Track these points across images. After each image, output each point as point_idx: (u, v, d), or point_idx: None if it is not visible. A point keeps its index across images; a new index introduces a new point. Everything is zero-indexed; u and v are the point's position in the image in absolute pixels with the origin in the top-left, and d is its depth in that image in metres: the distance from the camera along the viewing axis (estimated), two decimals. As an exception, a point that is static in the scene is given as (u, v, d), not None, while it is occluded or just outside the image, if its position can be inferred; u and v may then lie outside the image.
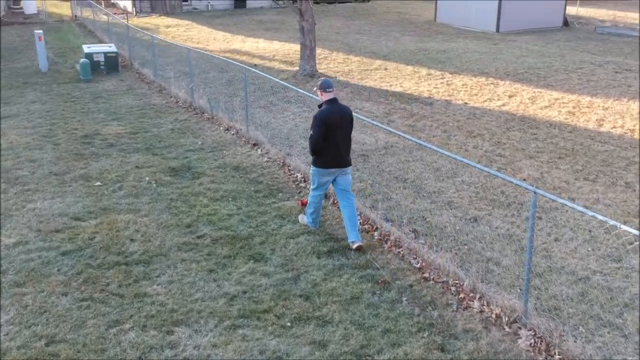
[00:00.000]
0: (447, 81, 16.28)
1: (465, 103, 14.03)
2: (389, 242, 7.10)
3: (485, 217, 7.97)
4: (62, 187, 8.80)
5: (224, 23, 27.63)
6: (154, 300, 5.95)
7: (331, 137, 6.81)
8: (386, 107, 13.65)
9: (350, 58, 19.63)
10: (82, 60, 16.76)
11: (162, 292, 6.10)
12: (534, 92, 15.05)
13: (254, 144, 10.69)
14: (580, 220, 7.73)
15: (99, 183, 8.90)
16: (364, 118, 8.70)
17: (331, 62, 18.94)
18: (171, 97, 14.70)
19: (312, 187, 7.27)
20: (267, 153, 10.26)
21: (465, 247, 7.11)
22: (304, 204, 7.93)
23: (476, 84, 15.89)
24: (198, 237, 7.28)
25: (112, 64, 17.67)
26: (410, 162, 9.93)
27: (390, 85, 15.83)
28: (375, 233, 7.34)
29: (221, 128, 11.86)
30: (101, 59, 17.53)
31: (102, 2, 34.24)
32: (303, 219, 7.60)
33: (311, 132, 6.87)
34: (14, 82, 16.40)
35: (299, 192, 8.66)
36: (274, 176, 9.30)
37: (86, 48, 17.86)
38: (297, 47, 21.26)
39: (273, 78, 11.93)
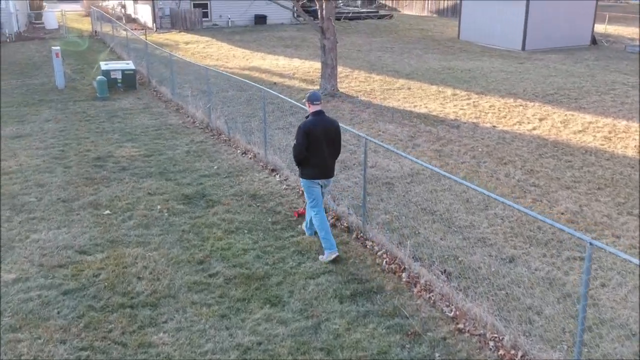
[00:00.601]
0: (474, 102, 15.65)
1: (494, 126, 13.38)
2: (418, 286, 6.48)
3: (522, 256, 7.31)
4: (70, 215, 8.32)
5: (243, 40, 27.32)
6: (159, 352, 5.39)
7: (315, 149, 6.97)
8: (411, 129, 13.05)
9: (372, 77, 19.11)
10: (99, 77, 16.44)
11: (169, 341, 5.54)
12: (566, 115, 14.35)
13: (272, 170, 10.16)
14: (628, 264, 7.04)
15: (108, 212, 8.41)
16: (386, 145, 8.14)
17: (352, 81, 18.43)
18: (188, 116, 14.27)
19: (309, 203, 7.27)
20: (285, 180, 9.71)
21: (503, 292, 6.46)
22: (300, 215, 8.10)
23: (504, 106, 15.24)
24: (210, 276, 6.72)
25: (129, 81, 17.34)
26: (438, 192, 9.31)
27: (415, 106, 15.24)
28: (404, 274, 6.72)
29: (238, 151, 11.36)
30: (118, 76, 17.21)
31: (123, 17, 34.26)
32: (323, 258, 7.09)
33: (294, 142, 7.08)
34: (29, 99, 16.11)
35: (320, 225, 8.08)
36: (292, 206, 8.73)
37: (103, 65, 17.57)
38: (318, 65, 20.81)
39: (289, 99, 11.40)
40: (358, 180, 9.74)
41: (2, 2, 25.79)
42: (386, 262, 6.97)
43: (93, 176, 9.96)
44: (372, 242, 7.41)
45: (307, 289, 6.47)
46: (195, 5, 31.12)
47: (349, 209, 8.34)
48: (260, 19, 32.51)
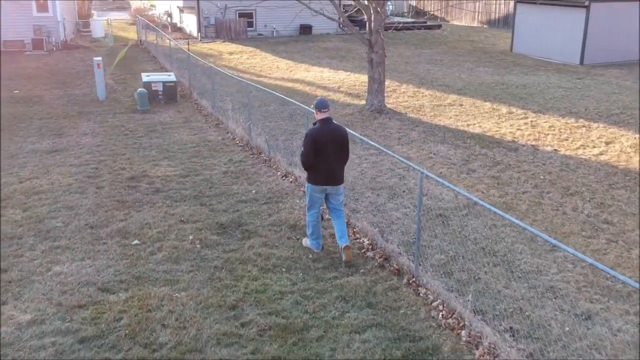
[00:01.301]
0: (532, 122, 14.57)
1: (555, 150, 12.31)
2: (480, 348, 5.58)
3: (600, 312, 6.32)
4: (96, 244, 7.73)
5: (288, 50, 26.76)
6: None
7: (322, 155, 7.09)
8: (464, 152, 12.10)
9: (421, 91, 18.19)
10: (140, 90, 16.04)
11: (192, 410, 4.81)
12: (635, 138, 13.15)
13: (315, 197, 9.37)
14: None
15: (136, 241, 7.78)
16: (436, 177, 7.26)
17: (400, 96, 17.55)
18: (228, 132, 13.66)
19: (307, 205, 7.54)
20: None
21: None
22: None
23: (565, 127, 14.11)
24: (242, 325, 5.97)
25: (170, 93, 16.90)
26: (498, 228, 8.36)
27: (468, 125, 14.26)
28: (463, 332, 5.83)
29: (279, 173, 10.63)
30: (159, 88, 16.79)
31: (169, 26, 34.23)
32: (306, 242, 7.66)
33: (302, 149, 7.27)
34: (69, 111, 15.81)
35: (366, 265, 7.25)
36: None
37: (145, 76, 17.19)
38: (364, 78, 20.01)
39: (356, 133, 10.58)
40: (408, 212, 8.88)
41: (49, 10, 25.94)
42: (442, 315, 6.09)
43: (125, 199, 9.39)
44: (426, 289, 6.55)
45: (352, 346, 5.65)
46: (240, 15, 30.79)
47: (399, 247, 7.48)
48: (306, 29, 31.94)
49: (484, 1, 37.57)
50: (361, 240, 7.83)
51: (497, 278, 6.96)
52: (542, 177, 10.64)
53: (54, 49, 26.18)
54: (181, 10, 33.57)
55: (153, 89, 16.70)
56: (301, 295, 6.54)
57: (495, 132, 13.68)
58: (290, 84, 19.27)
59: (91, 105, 16.48)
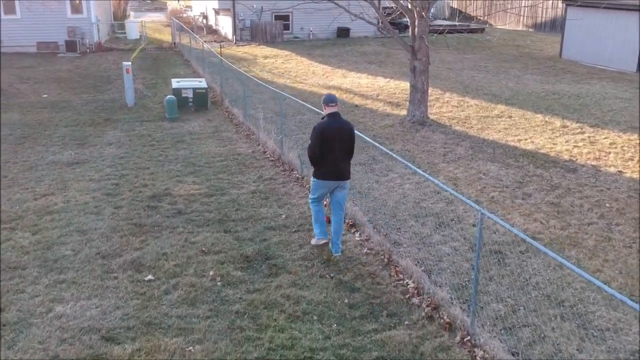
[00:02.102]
0: (589, 137, 13.29)
1: (620, 172, 11.05)
2: None
3: (700, 389, 5.17)
4: (106, 279, 6.89)
5: (324, 54, 25.83)
6: None
7: (329, 149, 7.09)
8: (517, 172, 10.95)
9: (465, 101, 17.02)
10: (168, 97, 15.30)
11: None
12: None
13: (351, 225, 8.38)
14: None
15: (150, 277, 6.92)
16: (498, 220, 6.19)
17: (444, 105, 16.43)
18: (259, 144, 12.79)
19: (310, 196, 7.58)
20: (367, 240, 7.91)
21: None
22: (329, 221, 7.75)
23: (628, 144, 12.80)
24: (265, 394, 5.02)
25: (201, 100, 16.14)
26: (564, 269, 7.23)
27: (519, 140, 13.07)
28: (532, 415, 4.76)
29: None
30: (190, 95, 16.05)
31: (204, 28, 33.68)
32: (315, 242, 7.64)
33: (309, 142, 7.25)
34: (96, 118, 15.18)
35: (411, 315, 6.23)
36: (375, 280, 6.93)
37: (175, 82, 16.47)
38: (404, 84, 18.95)
39: (371, 141, 9.62)
40: (458, 246, 7.81)
41: (83, 11, 25.57)
42: (505, 388, 5.03)
43: (143, 222, 8.56)
44: (484, 351, 5.49)
45: None
46: (276, 17, 30.00)
47: (449, 292, 6.43)
48: (343, 32, 30.97)
49: (529, 0, 35.98)
50: (405, 282, 6.80)
51: (568, 337, 5.85)
52: (607, 204, 9.43)
53: (88, 51, 25.81)
54: (217, 12, 32.98)
55: (183, 95, 15.96)
56: (335, 354, 5.55)
57: (549, 149, 12.46)
58: (326, 91, 18.30)
59: (119, 112, 15.82)
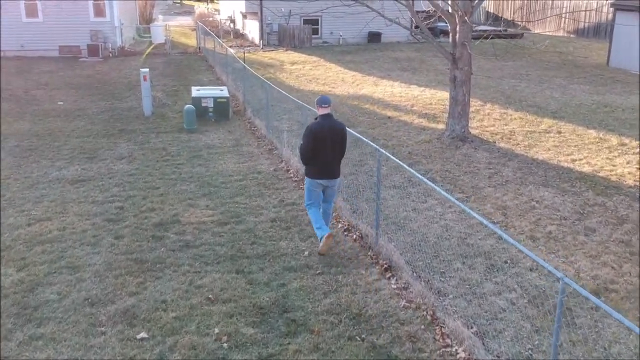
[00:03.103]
0: (654, 158, 11.79)
1: (697, 201, 9.57)
2: None
3: None
4: (90, 335, 5.74)
5: (355, 60, 24.58)
6: None
7: (320, 149, 7.23)
8: (576, 200, 9.54)
9: (508, 113, 15.60)
10: (187, 106, 14.23)
11: None
12: None
13: (386, 268, 7.10)
14: None
15: (144, 334, 5.75)
16: (580, 290, 4.90)
17: (485, 118, 15.04)
18: (281, 161, 11.61)
19: (306, 202, 7.64)
20: (405, 289, 6.63)
21: None
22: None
23: (700, 166, 11.28)
24: None
25: (222, 110, 15.04)
26: (650, 336, 5.84)
27: (573, 161, 11.63)
28: None
29: (339, 225, 8.44)
30: (210, 104, 14.96)
31: (231, 32, 32.76)
32: (320, 245, 7.41)
33: (301, 142, 7.42)
34: (110, 129, 14.18)
35: (463, 398, 4.93)
36: (417, 345, 5.65)
37: (195, 91, 15.41)
38: (440, 94, 17.63)
39: (402, 164, 8.40)
40: (516, 298, 6.46)
41: (106, 14, 24.78)
42: None
43: (145, 257, 7.42)
44: None
45: None
46: (305, 21, 28.87)
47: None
48: (374, 37, 29.70)
49: (572, 1, 34.20)
50: (453, 349, 5.50)
51: None
52: (689, 244, 7.98)
53: (110, 55, 25.02)
54: (244, 16, 32.01)
55: (203, 105, 14.89)
56: None
57: (609, 171, 11.01)
58: (355, 102, 17.06)
59: (135, 122, 14.81)
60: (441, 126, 14.11)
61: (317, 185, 7.45)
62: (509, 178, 10.62)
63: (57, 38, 24.48)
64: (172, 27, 35.26)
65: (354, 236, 8.00)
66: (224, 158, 11.96)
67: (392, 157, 7.79)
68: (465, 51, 12.59)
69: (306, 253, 7.56)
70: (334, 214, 8.62)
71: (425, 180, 6.96)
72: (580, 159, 11.73)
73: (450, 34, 13.03)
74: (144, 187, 10.11)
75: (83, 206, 9.21)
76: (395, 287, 6.67)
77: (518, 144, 12.83)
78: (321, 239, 7.32)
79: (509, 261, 7.37)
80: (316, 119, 7.43)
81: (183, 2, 65.37)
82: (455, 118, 13.01)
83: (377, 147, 7.61)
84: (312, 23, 29.01)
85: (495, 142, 12.88)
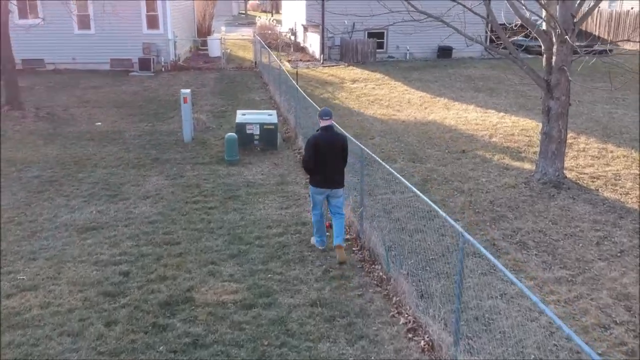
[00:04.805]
0: None
1: None
2: None
3: None
4: None
5: (423, 78, 22.27)
6: None
7: (321, 160, 7.63)
8: None
9: (608, 149, 12.99)
10: (229, 135, 12.40)
11: None
12: None
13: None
14: None
15: None
16: None
17: (580, 155, 12.50)
18: (333, 209, 9.53)
19: (311, 208, 8.05)
20: None
21: None
22: (331, 226, 8.09)
23: None
24: None
25: (269, 138, 13.15)
26: None
27: None
28: None
29: (401, 321, 6.25)
30: (256, 131, 13.09)
31: (292, 46, 31.10)
32: (313, 240, 8.08)
33: (304, 153, 7.96)
34: (143, 157, 12.54)
35: None
36: None
37: (240, 115, 13.58)
38: (524, 122, 15.17)
39: (481, 248, 6.20)
40: None
41: (160, 26, 23.51)
42: None
43: (137, 358, 5.51)
44: None
45: None
46: (369, 35, 26.79)
47: None
48: (445, 52, 27.24)
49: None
50: None
51: None
52: None
53: (162, 69, 23.73)
54: (305, 29, 30.27)
55: (248, 132, 13.05)
56: None
57: None
58: (423, 129, 14.82)
59: (172, 150, 13.13)
60: (527, 165, 11.71)
61: (319, 192, 7.80)
62: (625, 246, 8.15)
63: (109, 51, 23.41)
64: (232, 40, 34.01)
65: (421, 341, 5.80)
66: (264, 200, 10.03)
67: (475, 242, 5.59)
68: (563, 77, 10.21)
69: (354, 366, 5.45)
70: (394, 299, 6.46)
71: (509, 274, 4.72)
72: None
73: (544, 56, 10.67)
74: (161, 242, 8.27)
75: (82, 269, 7.44)
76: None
77: (627, 193, 10.28)
78: (320, 243, 7.96)
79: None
80: (318, 130, 7.77)
81: (248, 13, 64.76)
82: (548, 159, 10.59)
83: (461, 230, 5.34)
84: (377, 36, 26.89)
85: (597, 190, 10.38)
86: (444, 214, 5.86)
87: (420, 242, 8.21)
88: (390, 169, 7.86)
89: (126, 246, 8.15)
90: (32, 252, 7.95)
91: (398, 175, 7.43)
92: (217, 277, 7.24)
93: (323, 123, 7.67)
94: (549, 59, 10.48)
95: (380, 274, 7.22)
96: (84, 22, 23.25)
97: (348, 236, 8.45)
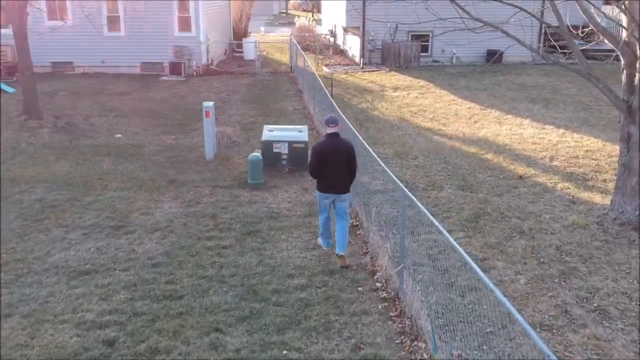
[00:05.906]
0: None
1: None
2: None
3: None
4: None
5: (470, 86, 20.51)
6: None
7: (326, 166, 7.70)
8: None
9: (692, 177, 11.06)
10: (252, 155, 11.04)
11: None
12: None
13: None
14: None
15: None
16: None
17: (659, 185, 10.63)
18: (366, 251, 8.11)
19: (318, 209, 8.14)
20: None
21: None
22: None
23: None
24: None
25: (298, 158, 11.73)
26: None
27: None
28: None
29: None
30: (284, 150, 11.71)
31: (331, 48, 29.65)
32: (319, 241, 8.30)
33: (309, 159, 8.16)
34: (158, 178, 11.31)
35: None
36: None
37: (266, 132, 12.22)
38: (587, 140, 13.41)
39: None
40: None
41: (192, 29, 22.40)
42: None
43: None
44: None
45: None
46: (413, 38, 25.12)
47: None
48: (494, 56, 25.32)
49: None
50: None
51: None
52: None
53: (194, 73, 22.61)
54: (345, 31, 28.76)
55: (275, 150, 11.68)
56: None
57: None
58: (473, 149, 13.16)
59: (191, 169, 11.86)
60: (598, 198, 9.98)
61: (325, 197, 7.87)
62: None
63: (139, 54, 22.41)
64: (271, 41, 32.76)
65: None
66: (288, 238, 8.64)
67: (538, 341, 4.06)
68: (649, 99, 8.46)
69: None
70: None
71: None
72: None
73: (624, 73, 8.95)
74: (161, 296, 6.95)
75: (61, 333, 6.17)
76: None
77: None
78: (325, 244, 8.17)
79: None
80: (324, 137, 7.88)
81: (289, 12, 63.58)
82: (627, 195, 8.86)
83: (545, 349, 3.78)
84: (422, 39, 25.17)
85: (688, 235, 8.60)
86: (500, 295, 4.31)
87: (473, 306, 6.66)
88: (428, 212, 6.33)
89: (119, 300, 6.86)
90: (10, 304, 6.74)
91: (436, 223, 5.89)
92: (219, 351, 5.85)
93: (329, 130, 7.77)
94: (630, 77, 8.77)
95: (425, 356, 5.71)
96: (114, 24, 22.29)
97: (384, 294, 6.96)
